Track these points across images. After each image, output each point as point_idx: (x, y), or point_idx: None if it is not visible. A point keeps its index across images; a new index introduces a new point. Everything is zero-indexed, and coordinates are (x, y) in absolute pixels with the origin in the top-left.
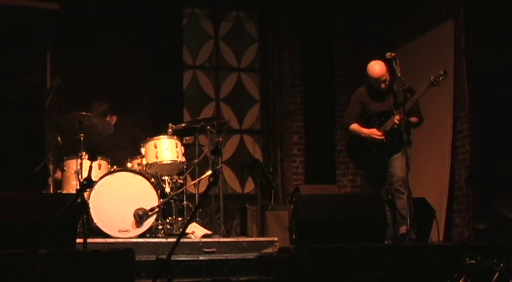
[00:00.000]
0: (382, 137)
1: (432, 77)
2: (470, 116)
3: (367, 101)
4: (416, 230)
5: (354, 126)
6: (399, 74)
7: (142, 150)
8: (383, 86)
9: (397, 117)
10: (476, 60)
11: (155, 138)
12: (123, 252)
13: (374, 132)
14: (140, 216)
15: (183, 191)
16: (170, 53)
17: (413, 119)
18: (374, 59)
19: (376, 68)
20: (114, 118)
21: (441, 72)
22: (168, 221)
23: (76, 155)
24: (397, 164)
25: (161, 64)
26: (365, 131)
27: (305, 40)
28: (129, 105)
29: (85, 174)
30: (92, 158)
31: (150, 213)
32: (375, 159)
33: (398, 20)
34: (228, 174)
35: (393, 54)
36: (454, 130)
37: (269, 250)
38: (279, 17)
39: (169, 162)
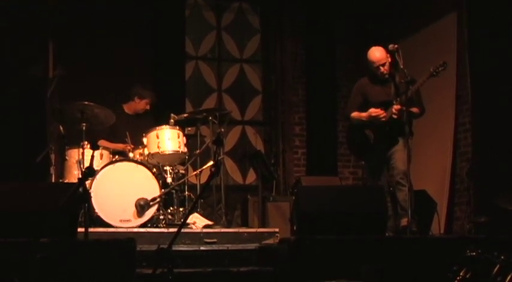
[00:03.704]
0: (384, 114)
1: (432, 68)
2: (473, 109)
3: (368, 91)
4: (417, 223)
5: (355, 114)
6: (402, 66)
7: (144, 140)
8: (382, 69)
9: (396, 107)
10: (479, 54)
11: (157, 128)
12: (125, 241)
13: (374, 111)
14: (142, 206)
15: (184, 181)
16: (172, 44)
17: (414, 109)
18: None
19: (376, 52)
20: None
21: (441, 63)
22: (169, 211)
23: (78, 144)
24: (398, 156)
25: (163, 54)
26: (365, 114)
27: (307, 32)
28: (127, 95)
29: (87, 164)
30: (94, 148)
31: (151, 203)
32: (373, 148)
33: (401, 13)
34: (230, 165)
35: (396, 46)
36: (456, 123)
37: (270, 241)
38: (281, 8)
39: (171, 152)
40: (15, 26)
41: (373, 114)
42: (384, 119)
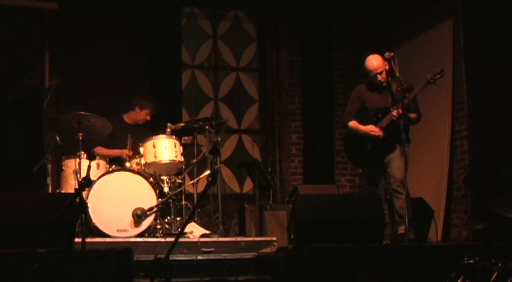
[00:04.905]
0: (380, 133)
1: (429, 76)
2: (469, 116)
3: (366, 98)
4: (415, 230)
5: (353, 123)
6: (398, 74)
7: (141, 149)
8: (379, 78)
9: (395, 112)
10: (475, 60)
11: (154, 137)
12: (122, 251)
13: (371, 129)
14: (139, 216)
15: (181, 190)
16: (169, 53)
17: (412, 115)
18: None
19: (373, 60)
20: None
21: (438, 71)
22: (166, 220)
23: (74, 154)
24: (395, 164)
25: (160, 63)
26: (362, 127)
27: (304, 40)
28: (128, 105)
29: (83, 174)
30: (91, 158)
31: (148, 213)
32: (370, 156)
33: (397, 20)
34: (227, 174)
35: (392, 54)
36: (452, 130)
37: (267, 250)
38: (277, 16)
39: (167, 161)
40: (11, 35)
41: (371, 133)
42: (380, 136)
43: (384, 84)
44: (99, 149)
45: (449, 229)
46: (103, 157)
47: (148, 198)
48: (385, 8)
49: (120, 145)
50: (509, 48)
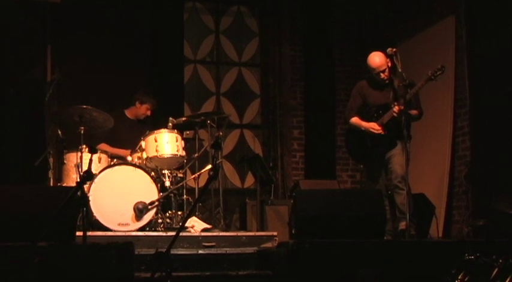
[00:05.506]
0: (381, 131)
1: (430, 72)
2: (471, 112)
3: (368, 94)
4: (416, 226)
5: (354, 120)
6: (400, 70)
7: (143, 143)
8: (382, 76)
9: (396, 108)
10: (477, 57)
11: (155, 132)
12: (123, 245)
13: (373, 126)
14: (140, 210)
15: (182, 185)
16: (171, 47)
17: (413, 112)
18: None
19: (375, 58)
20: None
21: (439, 67)
22: (167, 214)
23: (76, 148)
24: (397, 160)
25: (162, 58)
26: (364, 124)
27: (306, 35)
28: (129, 99)
29: (85, 167)
30: (92, 151)
31: (149, 207)
32: (371, 152)
33: (399, 16)
34: (228, 168)
35: (394, 49)
36: (454, 126)
37: (268, 245)
38: (279, 11)
39: (169, 156)
40: (13, 29)
41: (372, 130)
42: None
43: (387, 82)
44: (103, 146)
45: (450, 225)
46: (105, 152)
47: (149, 192)
48: (387, 4)
49: (121, 140)
50: (511, 44)
